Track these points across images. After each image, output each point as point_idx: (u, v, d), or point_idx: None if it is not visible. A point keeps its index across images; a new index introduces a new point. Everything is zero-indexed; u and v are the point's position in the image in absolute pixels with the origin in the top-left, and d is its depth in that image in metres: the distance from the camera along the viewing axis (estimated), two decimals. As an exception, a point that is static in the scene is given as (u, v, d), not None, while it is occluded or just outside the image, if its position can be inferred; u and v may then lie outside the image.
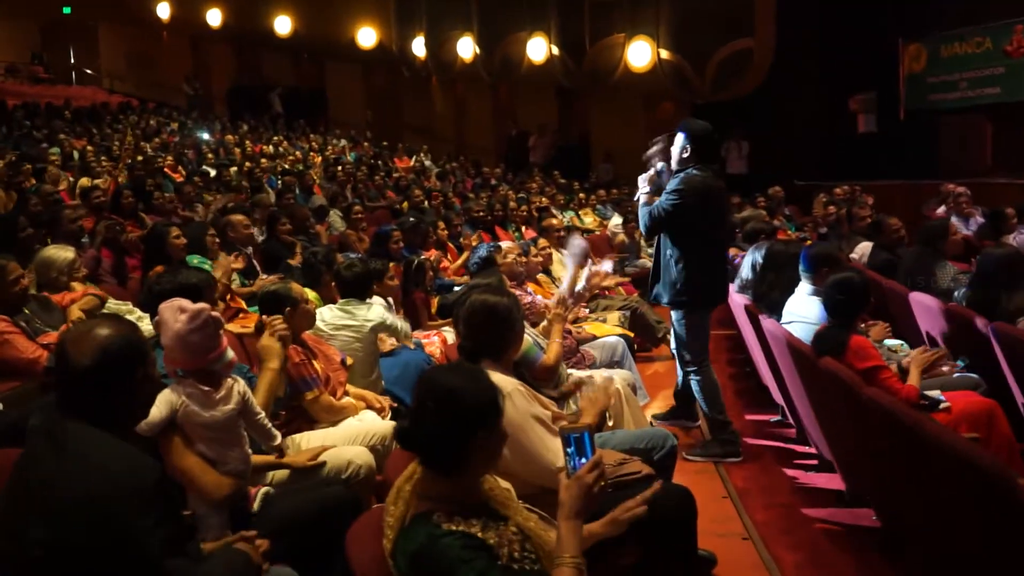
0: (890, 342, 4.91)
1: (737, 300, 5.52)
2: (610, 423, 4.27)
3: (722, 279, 4.99)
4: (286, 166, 14.75)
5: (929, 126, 14.47)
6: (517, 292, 5.42)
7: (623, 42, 15.95)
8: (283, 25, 22.75)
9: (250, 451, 2.91)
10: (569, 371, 4.52)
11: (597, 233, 11.41)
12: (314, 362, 3.82)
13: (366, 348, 4.61)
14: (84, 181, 10.54)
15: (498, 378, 3.00)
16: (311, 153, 17.20)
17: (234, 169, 13.22)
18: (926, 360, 3.90)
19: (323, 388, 3.77)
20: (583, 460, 2.11)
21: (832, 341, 3.83)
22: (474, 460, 2.14)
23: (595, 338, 5.72)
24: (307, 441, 3.53)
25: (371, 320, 4.65)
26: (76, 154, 13.25)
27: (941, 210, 9.90)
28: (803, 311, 4.52)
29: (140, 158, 13.40)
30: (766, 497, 4.38)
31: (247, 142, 17.40)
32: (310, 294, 4.67)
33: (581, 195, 14.06)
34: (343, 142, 19.16)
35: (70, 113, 18.66)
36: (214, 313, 2.87)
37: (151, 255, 5.74)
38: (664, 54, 15.49)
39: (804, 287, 4.62)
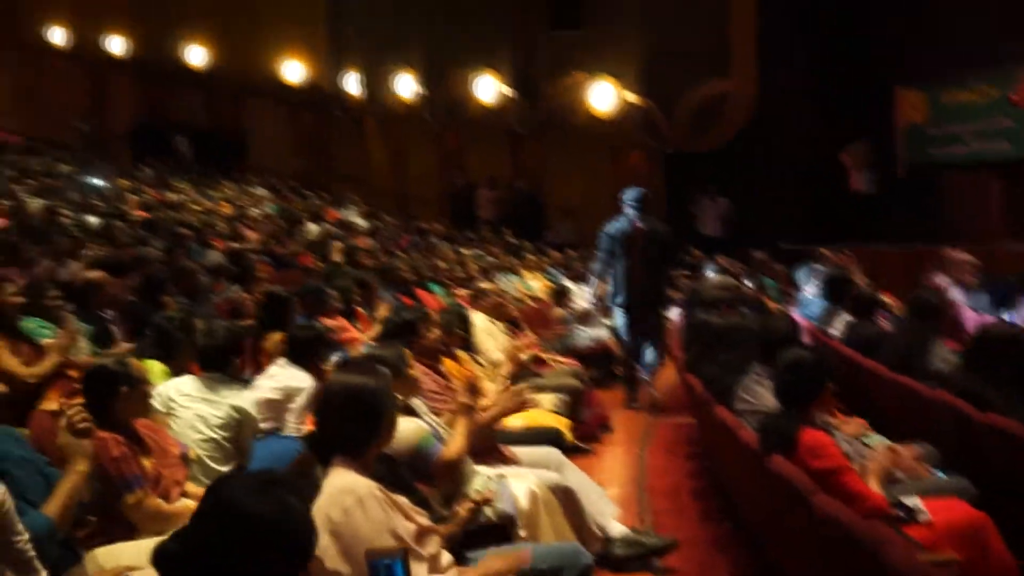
0: (871, 439, 4.69)
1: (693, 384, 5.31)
2: (522, 533, 4.00)
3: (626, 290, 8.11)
4: (191, 219, 14.43)
5: (931, 184, 14.55)
6: (428, 373, 5.19)
7: (584, 82, 16.00)
8: (197, 56, 22.62)
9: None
10: (477, 468, 4.26)
11: (544, 300, 11.18)
12: (142, 458, 3.51)
13: (228, 434, 4.33)
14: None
15: (351, 479, 2.78)
16: (221, 202, 16.93)
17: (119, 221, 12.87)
18: (884, 469, 3.63)
19: (150, 489, 3.46)
20: None
21: (779, 434, 3.59)
22: None
23: (525, 431, 5.46)
24: (114, 557, 3.18)
25: (237, 404, 4.39)
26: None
27: (941, 279, 9.83)
28: (758, 398, 4.30)
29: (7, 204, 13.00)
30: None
31: (148, 189, 17.09)
32: (156, 368, 4.41)
33: (531, 257, 13.91)
34: (260, 190, 18.93)
35: (-63, 153, 18.32)
36: None
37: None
38: (630, 96, 15.54)
39: (757, 368, 4.41)
